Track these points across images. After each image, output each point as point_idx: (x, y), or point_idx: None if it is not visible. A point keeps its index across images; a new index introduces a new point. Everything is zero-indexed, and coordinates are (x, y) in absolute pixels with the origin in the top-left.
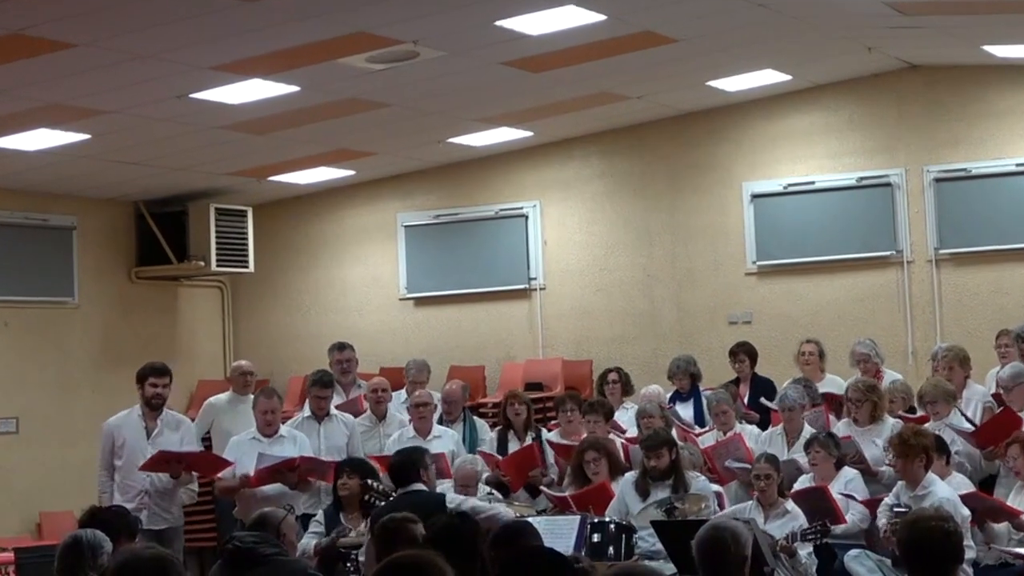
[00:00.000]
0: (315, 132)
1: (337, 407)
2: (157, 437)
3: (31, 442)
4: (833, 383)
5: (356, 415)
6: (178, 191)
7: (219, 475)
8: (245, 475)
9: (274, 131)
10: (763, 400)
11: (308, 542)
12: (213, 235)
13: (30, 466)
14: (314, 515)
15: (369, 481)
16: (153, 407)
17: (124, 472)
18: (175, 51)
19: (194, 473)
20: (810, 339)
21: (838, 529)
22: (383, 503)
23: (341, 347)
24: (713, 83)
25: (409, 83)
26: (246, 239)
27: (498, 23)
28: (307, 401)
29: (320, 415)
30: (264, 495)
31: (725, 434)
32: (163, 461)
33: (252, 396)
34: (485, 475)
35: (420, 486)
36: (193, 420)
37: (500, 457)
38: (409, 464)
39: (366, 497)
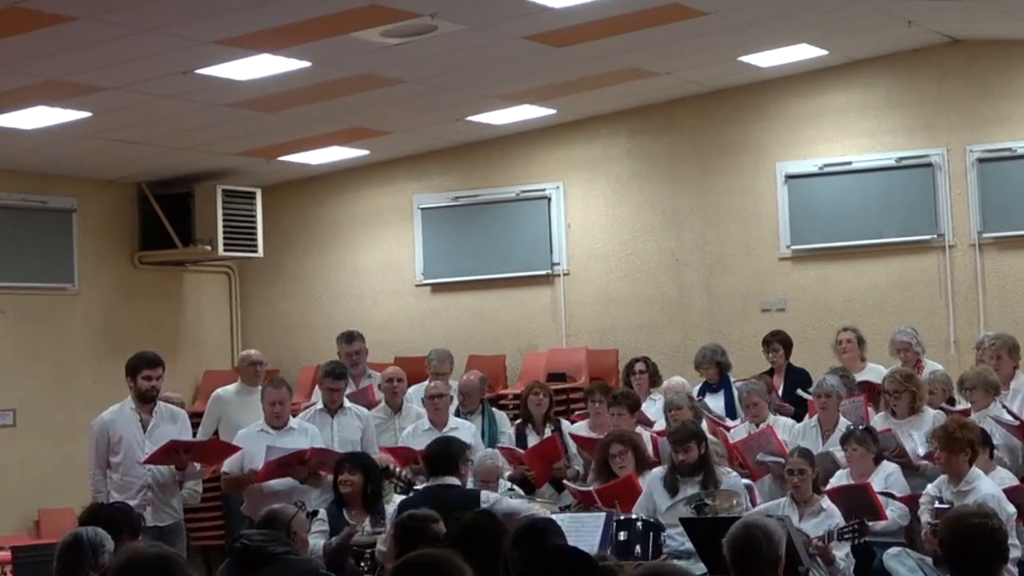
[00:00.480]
0: (327, 110)
1: (348, 396)
2: (154, 430)
3: (29, 436)
4: (874, 372)
5: (366, 407)
6: (183, 172)
7: (225, 469)
8: (252, 469)
9: (284, 109)
10: (800, 391)
11: (316, 542)
12: (220, 218)
13: (28, 461)
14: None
15: (391, 466)
16: (146, 400)
17: (123, 469)
18: (180, 25)
19: (198, 465)
20: (847, 326)
21: (877, 526)
22: (405, 490)
23: (350, 338)
24: (745, 58)
25: (426, 58)
26: (255, 222)
27: None
28: (314, 391)
29: (333, 408)
30: (273, 490)
31: (757, 426)
32: (172, 451)
33: (261, 387)
34: (508, 472)
35: (454, 480)
36: (201, 413)
37: (521, 451)
38: (448, 455)
39: (388, 481)
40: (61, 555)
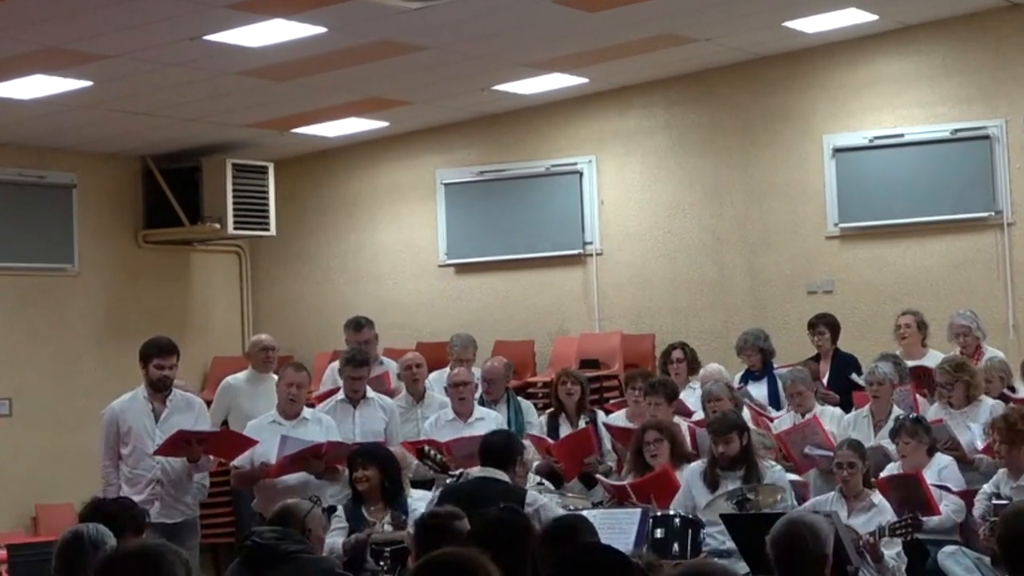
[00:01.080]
0: (344, 79)
1: None
2: (167, 420)
3: (26, 426)
4: (935, 360)
5: (385, 395)
6: (190, 145)
7: (235, 463)
8: (264, 463)
9: (298, 78)
10: (855, 376)
11: (334, 540)
12: (230, 194)
13: (24, 453)
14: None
15: (426, 448)
16: (159, 389)
17: (132, 461)
18: None
19: (211, 457)
20: (908, 310)
21: (931, 522)
22: (440, 471)
23: (358, 325)
24: (790, 23)
25: (450, 23)
26: (267, 198)
27: None
28: (323, 378)
29: (355, 398)
30: (286, 485)
31: (803, 417)
32: (181, 442)
33: (273, 375)
34: (536, 463)
35: (502, 475)
36: (209, 402)
37: (551, 440)
38: (506, 449)
39: (421, 462)
40: (60, 554)
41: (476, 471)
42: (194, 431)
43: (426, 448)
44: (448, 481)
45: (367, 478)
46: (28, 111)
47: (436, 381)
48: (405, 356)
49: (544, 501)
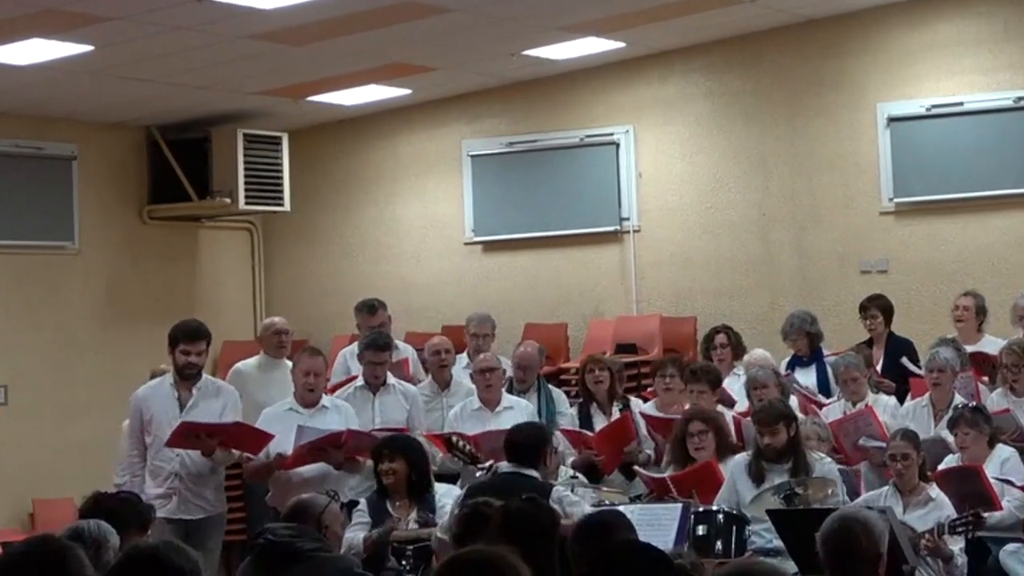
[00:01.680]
0: (363, 43)
1: None
2: (192, 409)
3: (23, 415)
4: (992, 346)
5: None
6: (199, 114)
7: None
8: (280, 454)
9: (314, 42)
10: (904, 361)
11: (355, 536)
12: (241, 166)
13: (21, 444)
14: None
15: (454, 438)
16: (186, 377)
17: (153, 452)
18: None
19: (233, 452)
20: (968, 291)
21: (992, 519)
22: (470, 462)
23: (371, 308)
24: None
25: None
26: (280, 171)
27: None
28: (335, 365)
29: (375, 385)
30: (303, 478)
31: (855, 405)
32: (189, 434)
33: (287, 361)
34: (571, 458)
35: (531, 471)
36: None
37: (589, 434)
38: (534, 444)
39: (450, 454)
40: None
41: (505, 465)
42: (203, 424)
43: (454, 439)
44: (478, 474)
45: (394, 471)
46: (25, 77)
47: (460, 367)
48: (432, 340)
49: (575, 500)
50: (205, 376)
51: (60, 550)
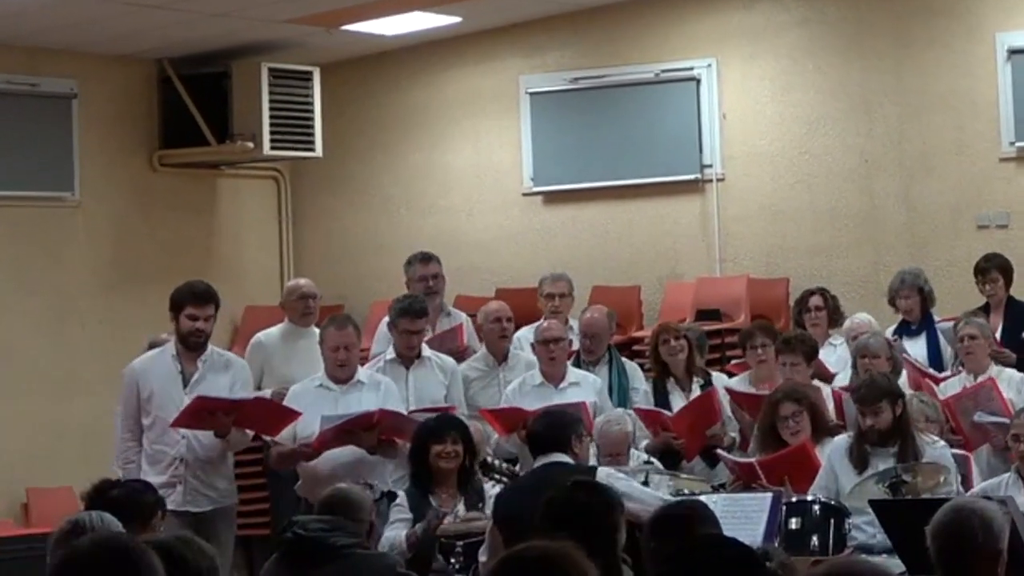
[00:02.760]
0: None
1: (427, 342)
2: (198, 384)
3: (15, 394)
4: None
5: (454, 355)
6: (217, 45)
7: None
8: (304, 444)
9: None
10: None
11: (396, 534)
12: (266, 106)
13: (14, 426)
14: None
15: (488, 458)
16: (191, 347)
17: (154, 435)
18: None
19: (248, 432)
20: None
21: None
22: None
23: (426, 258)
24: None
25: None
26: (311, 112)
27: None
28: (376, 336)
29: (409, 357)
30: (334, 464)
31: (976, 379)
32: (202, 412)
33: (315, 328)
34: (644, 442)
35: (563, 457)
36: None
37: (668, 414)
38: (557, 432)
39: (486, 476)
40: (57, 548)
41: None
42: (219, 399)
43: (489, 459)
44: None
45: (456, 453)
46: (18, 4)
47: (523, 337)
48: (489, 306)
49: (624, 478)
50: (211, 347)
51: (130, 551)
